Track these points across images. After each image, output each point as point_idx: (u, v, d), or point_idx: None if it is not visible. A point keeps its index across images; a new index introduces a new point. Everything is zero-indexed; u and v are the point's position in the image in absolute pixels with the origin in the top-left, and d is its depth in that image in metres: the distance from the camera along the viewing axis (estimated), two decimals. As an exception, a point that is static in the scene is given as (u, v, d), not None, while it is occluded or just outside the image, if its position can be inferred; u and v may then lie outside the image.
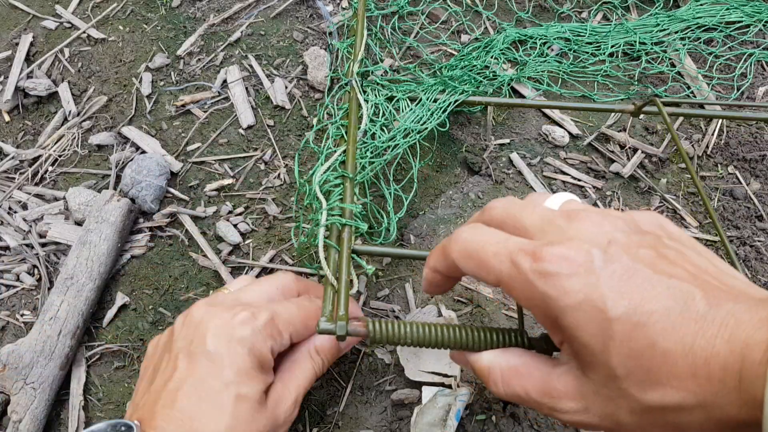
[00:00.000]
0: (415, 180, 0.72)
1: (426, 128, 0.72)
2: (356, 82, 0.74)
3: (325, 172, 0.63)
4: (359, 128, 0.69)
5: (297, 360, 0.52)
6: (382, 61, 0.86)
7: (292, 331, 0.51)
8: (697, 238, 0.68)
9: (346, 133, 0.68)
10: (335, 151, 0.65)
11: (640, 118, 0.84)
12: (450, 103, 0.74)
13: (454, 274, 0.45)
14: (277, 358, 0.51)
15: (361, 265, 0.58)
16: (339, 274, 0.53)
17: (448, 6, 0.94)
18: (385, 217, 0.68)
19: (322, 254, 0.55)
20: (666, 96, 0.85)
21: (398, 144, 0.70)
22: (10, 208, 0.79)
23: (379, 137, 0.70)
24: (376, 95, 0.75)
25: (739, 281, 0.33)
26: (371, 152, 0.69)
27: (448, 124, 0.75)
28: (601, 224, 0.36)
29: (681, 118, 0.84)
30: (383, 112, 0.73)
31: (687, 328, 0.30)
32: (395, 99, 0.75)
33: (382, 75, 0.83)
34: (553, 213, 0.39)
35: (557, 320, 0.34)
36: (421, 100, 0.75)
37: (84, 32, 0.93)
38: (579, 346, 0.34)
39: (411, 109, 0.74)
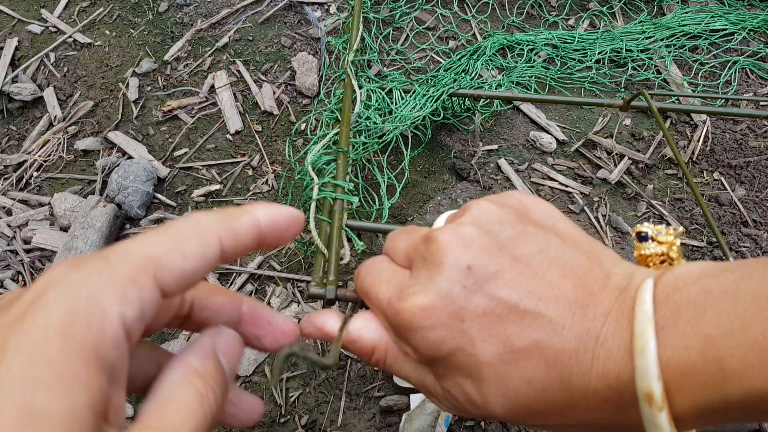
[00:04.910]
0: (407, 168, 0.73)
1: (420, 115, 0.74)
2: (350, 69, 0.75)
3: (318, 152, 0.64)
4: (353, 111, 0.71)
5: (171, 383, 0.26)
6: (376, 53, 0.87)
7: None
8: (683, 244, 0.68)
9: (340, 114, 0.70)
10: (328, 134, 0.67)
11: (626, 124, 0.84)
12: (443, 92, 0.76)
13: None
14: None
15: (352, 240, 0.59)
16: (330, 243, 0.55)
17: (437, 9, 0.94)
18: (377, 201, 0.70)
19: (313, 225, 0.57)
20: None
21: (391, 129, 0.72)
22: (-7, 214, 0.78)
23: (373, 122, 0.72)
24: (370, 84, 0.78)
25: (601, 270, 0.31)
26: (365, 134, 0.71)
27: (441, 114, 0.76)
28: (456, 245, 0.33)
29: (669, 122, 0.85)
30: (376, 99, 0.76)
31: (561, 364, 0.30)
32: (387, 89, 0.78)
33: (375, 74, 0.84)
34: (415, 240, 0.36)
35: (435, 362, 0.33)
36: (414, 90, 0.77)
37: (70, 37, 0.93)
38: (457, 381, 0.33)
39: (405, 101, 0.76)
